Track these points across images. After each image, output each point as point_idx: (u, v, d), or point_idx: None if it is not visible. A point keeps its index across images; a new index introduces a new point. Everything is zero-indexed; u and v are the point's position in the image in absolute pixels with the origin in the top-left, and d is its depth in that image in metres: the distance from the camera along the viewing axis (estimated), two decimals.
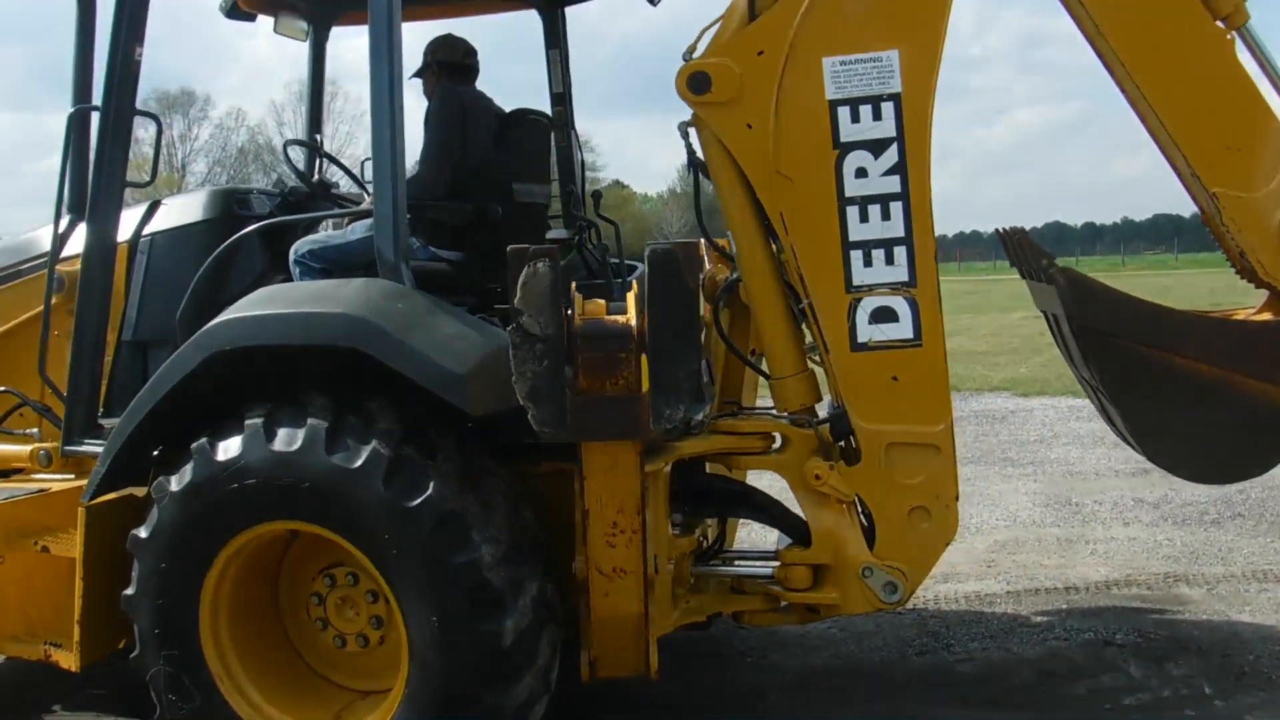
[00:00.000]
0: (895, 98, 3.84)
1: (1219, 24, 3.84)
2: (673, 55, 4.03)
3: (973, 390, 12.78)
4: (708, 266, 4.63)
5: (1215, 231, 3.93)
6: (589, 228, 5.11)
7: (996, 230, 4.30)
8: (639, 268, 4.14)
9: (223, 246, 4.27)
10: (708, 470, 4.33)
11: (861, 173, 3.88)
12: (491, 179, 4.41)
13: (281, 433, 3.47)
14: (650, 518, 3.82)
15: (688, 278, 3.35)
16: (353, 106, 59.06)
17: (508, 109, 4.71)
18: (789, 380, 4.12)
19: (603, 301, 3.58)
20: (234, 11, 4.99)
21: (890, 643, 4.99)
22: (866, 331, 3.93)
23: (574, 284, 3.60)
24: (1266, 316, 3.94)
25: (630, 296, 3.47)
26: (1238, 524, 6.64)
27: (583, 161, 5.25)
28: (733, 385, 4.75)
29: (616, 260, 5.13)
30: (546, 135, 4.82)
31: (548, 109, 5.15)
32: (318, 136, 5.23)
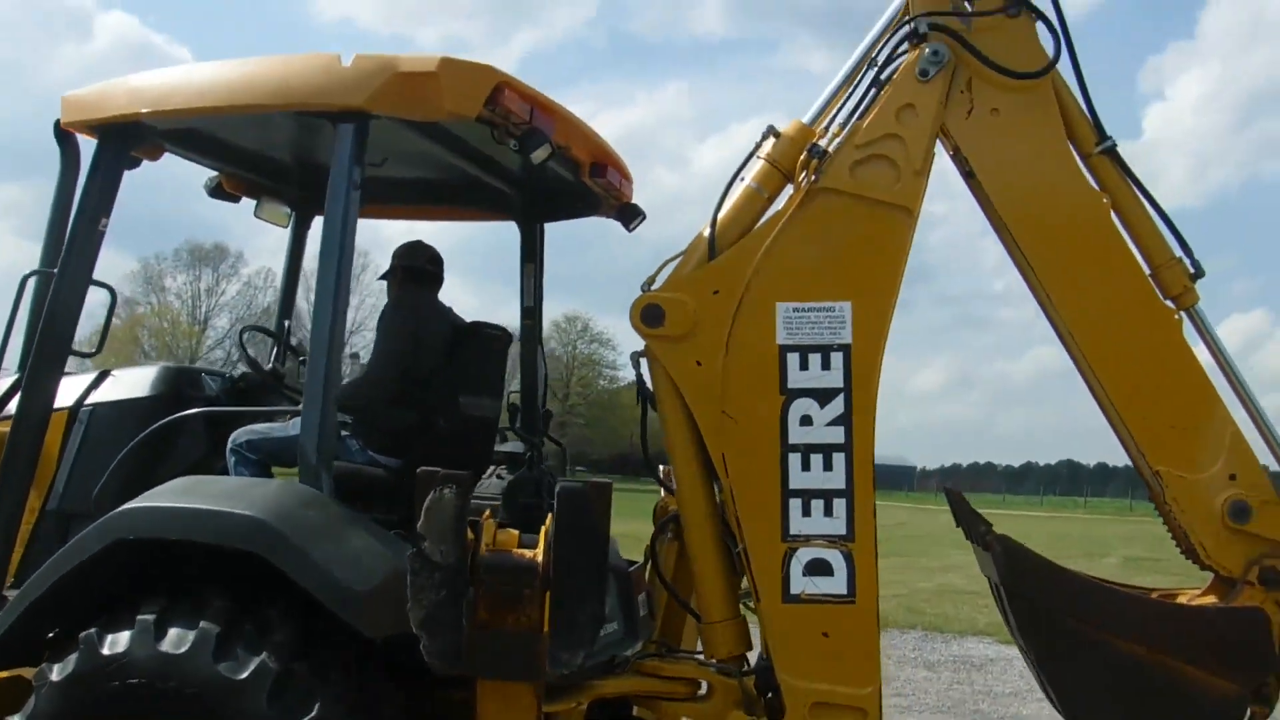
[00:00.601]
0: (845, 349, 3.85)
1: (1168, 303, 3.88)
2: None
3: (956, 633, 12.42)
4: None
5: (1160, 510, 3.84)
6: (541, 445, 5.08)
7: (944, 489, 4.24)
8: None
9: (152, 428, 4.24)
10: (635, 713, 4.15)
11: (806, 420, 3.85)
12: (440, 389, 4.40)
13: (172, 632, 3.33)
14: None
15: (597, 518, 3.28)
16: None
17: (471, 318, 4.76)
18: (719, 625, 3.99)
19: (515, 533, 3.51)
20: (217, 192, 5.11)
21: None
22: (799, 583, 3.81)
23: (488, 511, 3.54)
24: (1210, 600, 3.81)
25: (544, 530, 3.40)
26: None
27: (546, 376, 5.26)
28: (674, 625, 4.61)
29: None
30: (503, 350, 4.84)
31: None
32: (286, 323, 5.26)
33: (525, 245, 5.25)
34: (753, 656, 4.01)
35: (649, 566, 4.51)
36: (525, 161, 4.06)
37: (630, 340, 4.00)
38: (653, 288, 4.01)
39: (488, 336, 4.76)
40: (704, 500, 4.00)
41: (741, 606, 4.07)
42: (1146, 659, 3.63)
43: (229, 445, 4.32)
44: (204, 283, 67.92)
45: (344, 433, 4.27)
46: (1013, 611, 3.79)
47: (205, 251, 68.61)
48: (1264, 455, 3.88)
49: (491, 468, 5.11)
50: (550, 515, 3.32)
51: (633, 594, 4.35)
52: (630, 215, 4.91)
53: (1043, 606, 3.73)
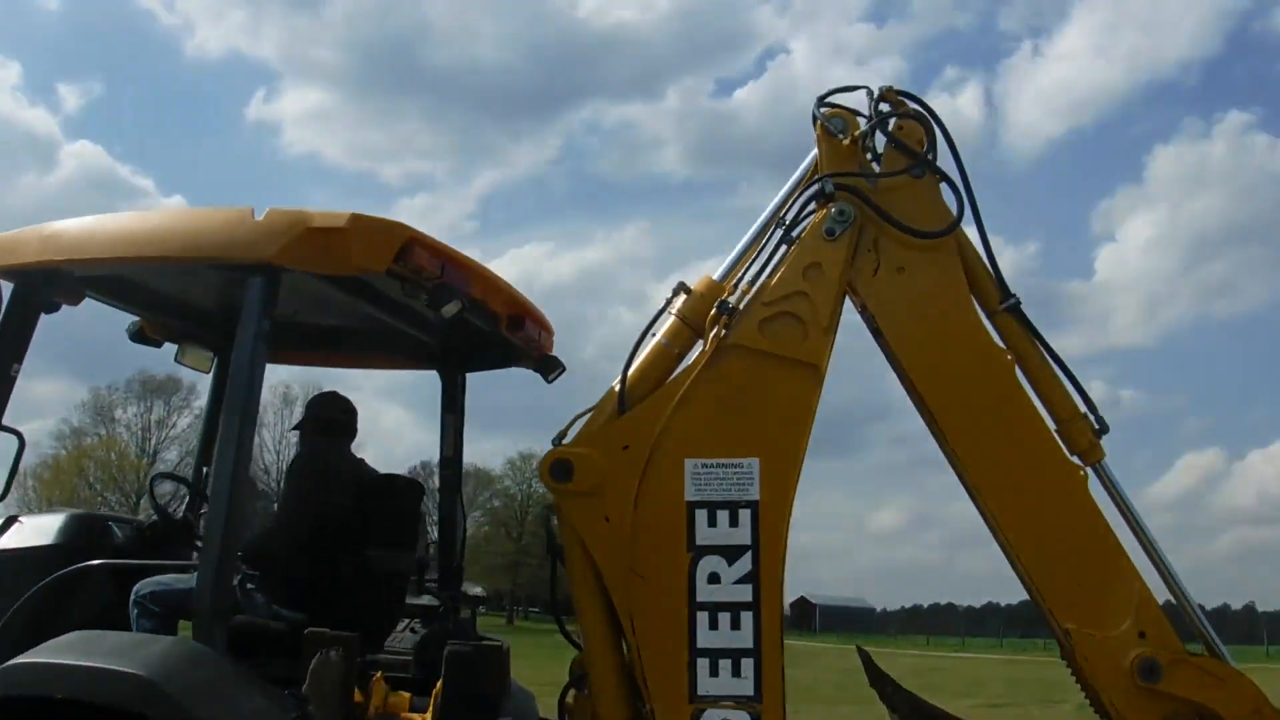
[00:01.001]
0: (753, 505, 3.83)
1: (1074, 459, 3.91)
2: None
3: None
4: None
5: (1072, 668, 3.80)
6: (458, 598, 4.96)
7: (856, 646, 4.17)
8: None
9: (50, 579, 4.11)
10: None
11: (714, 578, 3.81)
12: (348, 542, 4.32)
13: None
14: None
15: (484, 683, 3.20)
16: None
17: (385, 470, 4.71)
18: None
19: (407, 695, 3.41)
20: (139, 337, 5.07)
21: None
22: None
23: (380, 674, 3.45)
24: None
25: (435, 693, 3.30)
26: None
27: (464, 527, 5.18)
28: None
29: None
30: (416, 501, 4.77)
31: None
32: (206, 470, 5.16)
33: (446, 395, 5.23)
34: None
35: None
36: (437, 314, 4.08)
37: None
38: (564, 441, 4.00)
39: (400, 489, 4.70)
40: (611, 658, 3.92)
41: None
42: None
43: (132, 597, 4.19)
44: (155, 414, 66.86)
45: (249, 585, 4.16)
46: None
47: (158, 383, 67.59)
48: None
49: (405, 621, 4.99)
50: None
51: None
52: (549, 367, 4.93)
53: None
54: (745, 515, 3.83)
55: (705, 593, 3.80)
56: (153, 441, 66.36)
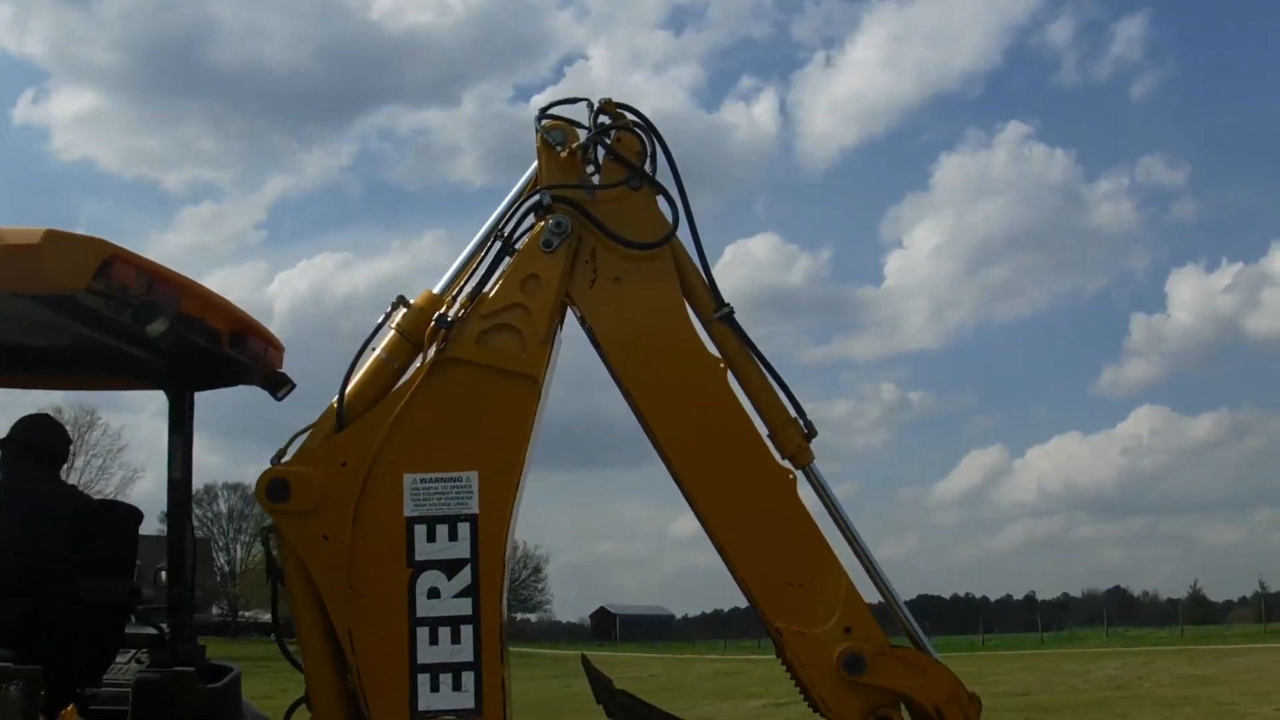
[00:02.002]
0: (472, 519, 3.84)
1: (785, 463, 4.07)
2: None
3: None
4: None
5: (784, 664, 3.96)
6: (188, 626, 4.75)
7: (582, 655, 4.24)
8: None
9: None
10: None
11: (434, 593, 3.79)
12: (56, 575, 4.08)
13: None
14: None
15: (176, 710, 3.09)
16: (110, 440, 56.88)
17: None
18: None
19: None
20: None
21: None
22: None
23: (71, 707, 3.27)
24: None
25: None
26: None
27: (194, 553, 4.97)
28: None
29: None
30: (134, 529, 4.56)
31: None
32: None
33: (173, 415, 5.01)
34: None
35: None
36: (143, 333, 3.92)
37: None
38: (283, 460, 3.90)
39: (116, 516, 4.48)
40: (332, 679, 3.84)
41: None
42: None
43: None
44: None
45: None
46: None
47: None
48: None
49: (132, 652, 4.75)
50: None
51: None
52: (277, 384, 4.79)
53: None
54: (464, 529, 3.83)
55: (425, 608, 3.77)
56: None
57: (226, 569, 78.56)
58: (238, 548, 78.76)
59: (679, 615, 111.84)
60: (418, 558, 3.80)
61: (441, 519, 3.83)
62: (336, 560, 3.79)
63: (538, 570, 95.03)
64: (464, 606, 3.77)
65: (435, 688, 3.74)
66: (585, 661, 4.14)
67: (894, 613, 4.12)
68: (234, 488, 78.02)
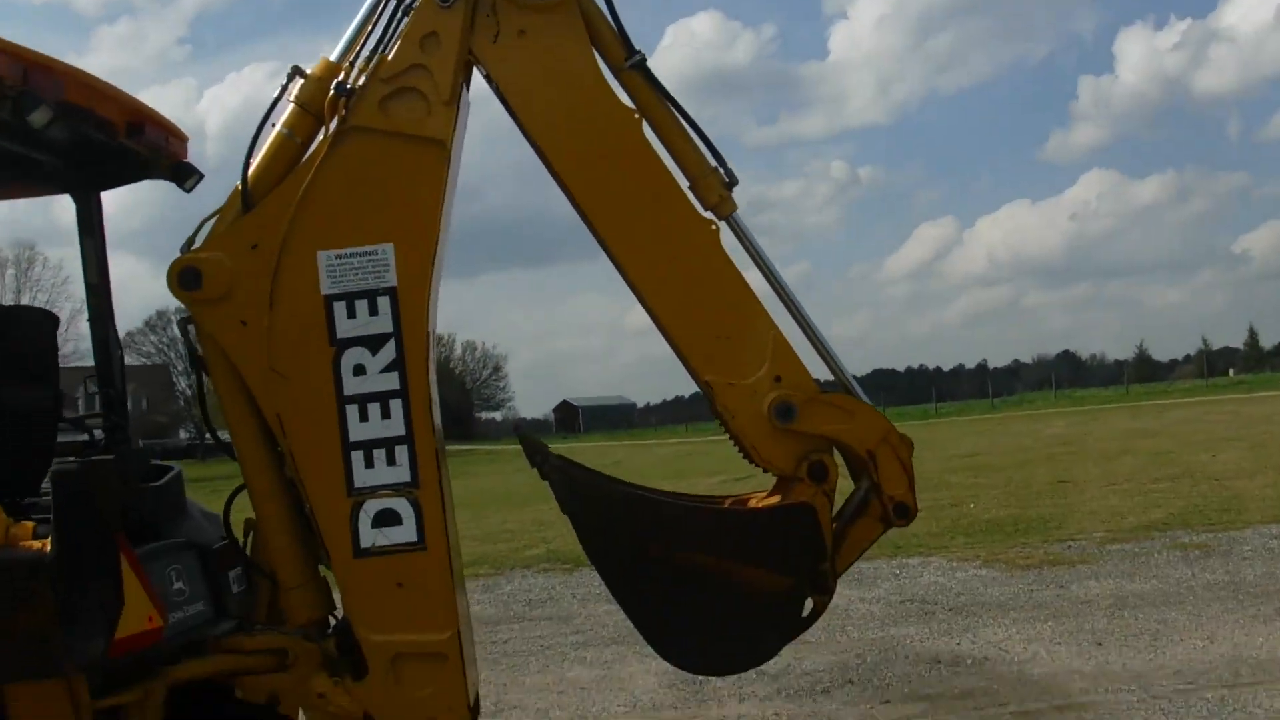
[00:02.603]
0: (391, 291, 3.73)
1: (707, 214, 3.97)
2: None
3: None
4: None
5: (717, 418, 3.98)
6: (124, 429, 4.69)
7: (515, 430, 4.23)
8: None
9: None
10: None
11: (360, 370, 3.73)
12: None
13: None
14: None
15: (99, 498, 3.04)
16: (51, 274, 55.86)
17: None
18: (296, 591, 3.84)
19: (30, 524, 3.22)
20: None
21: None
22: (369, 536, 3.72)
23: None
24: (775, 500, 3.99)
25: None
26: (846, 691, 6.74)
27: (121, 358, 4.86)
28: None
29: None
30: (49, 333, 4.41)
31: None
32: None
33: (81, 218, 4.80)
34: None
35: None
36: (23, 125, 3.69)
37: None
38: (193, 248, 3.76)
39: (28, 321, 4.33)
40: (266, 464, 3.82)
41: (323, 569, 3.93)
42: (708, 567, 3.76)
43: None
44: None
45: None
46: (580, 538, 3.84)
47: None
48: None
49: (72, 459, 4.69)
50: None
51: (219, 571, 4.12)
52: (183, 175, 4.58)
53: (602, 528, 3.80)
54: (385, 303, 3.73)
55: (352, 385, 3.72)
56: None
57: (189, 392, 78.80)
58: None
59: (640, 404, 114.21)
60: (339, 335, 3.72)
61: (360, 294, 3.73)
62: (257, 345, 3.71)
63: (497, 369, 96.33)
64: (391, 381, 3.72)
65: (370, 464, 3.72)
66: (518, 431, 4.12)
67: (824, 359, 4.11)
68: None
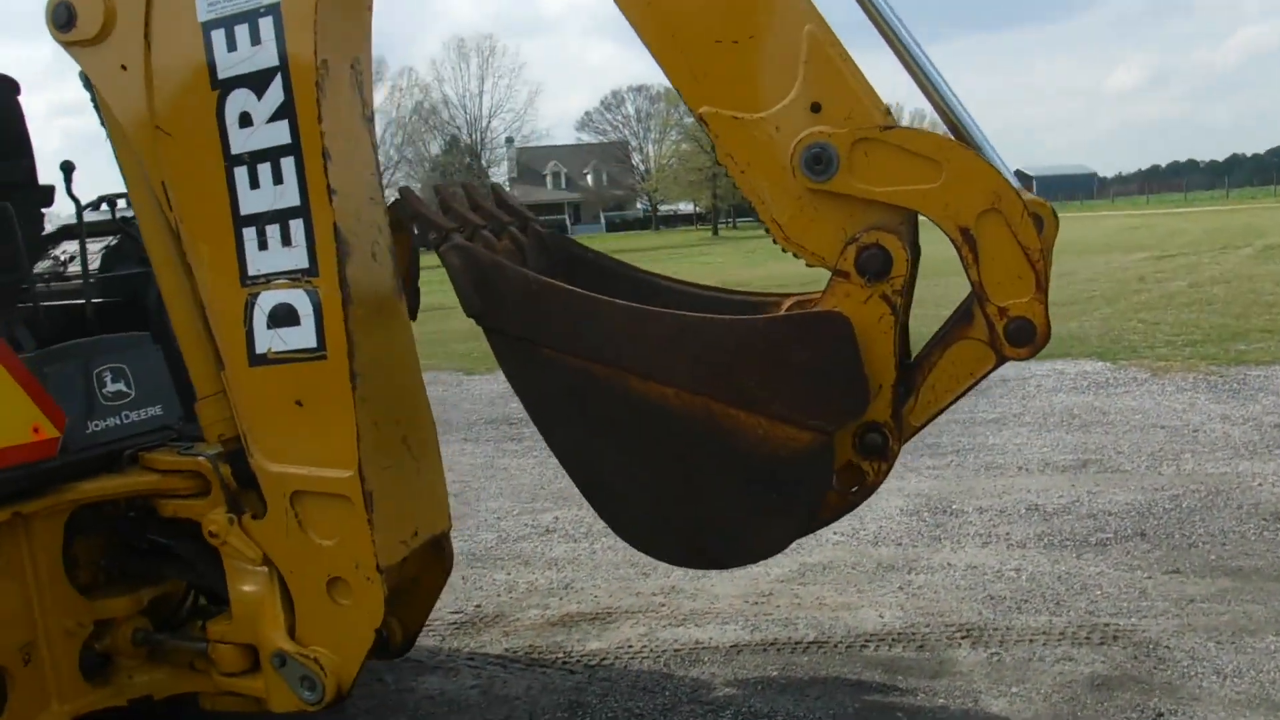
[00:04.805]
0: (274, 10, 2.75)
1: None
2: None
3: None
4: None
5: (725, 167, 2.62)
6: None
7: (399, 191, 3.05)
8: None
9: None
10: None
11: (246, 120, 2.82)
12: None
13: None
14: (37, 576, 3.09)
15: None
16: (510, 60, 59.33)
17: None
18: (208, 401, 3.11)
19: None
20: None
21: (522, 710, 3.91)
22: (265, 339, 2.89)
23: None
24: (815, 305, 2.61)
25: None
26: (1127, 548, 5.11)
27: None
28: None
29: None
30: (9, 99, 3.84)
31: None
32: None
33: None
34: None
35: None
36: None
37: None
38: None
39: None
40: (166, 240, 3.05)
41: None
42: (677, 407, 2.51)
43: None
44: None
45: None
46: (490, 344, 2.72)
47: None
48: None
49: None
50: None
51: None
52: None
53: (516, 334, 2.65)
54: (267, 26, 2.75)
55: (239, 140, 2.82)
56: None
57: (642, 168, 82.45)
58: (648, 146, 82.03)
59: (1109, 174, 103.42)
60: (220, 75, 2.82)
61: (239, 17, 2.78)
62: (137, 93, 2.91)
63: None
64: (280, 133, 2.78)
65: (264, 244, 2.85)
66: (404, 193, 2.98)
67: (910, 69, 2.59)
68: (638, 89, 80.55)
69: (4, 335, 3.61)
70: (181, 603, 3.46)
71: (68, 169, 3.81)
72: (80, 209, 3.71)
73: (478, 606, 4.99)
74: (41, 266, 4.01)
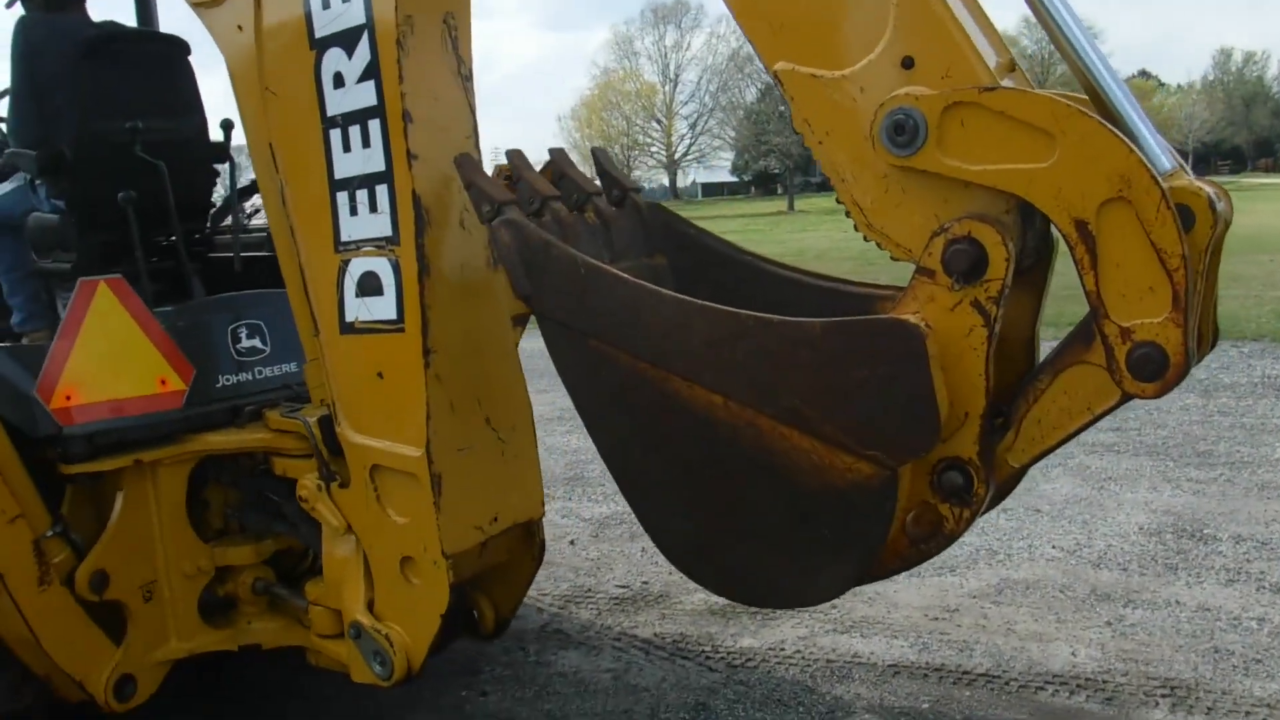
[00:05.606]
0: None
1: None
2: None
3: (1254, 336, 9.69)
4: None
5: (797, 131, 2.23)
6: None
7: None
8: None
9: None
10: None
11: (339, 80, 2.75)
12: (70, 118, 3.68)
13: None
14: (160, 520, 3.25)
15: None
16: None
17: None
18: (314, 364, 3.09)
19: None
20: None
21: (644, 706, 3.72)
22: (354, 307, 2.84)
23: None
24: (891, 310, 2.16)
25: None
26: None
27: None
28: None
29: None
30: (181, 58, 3.93)
31: None
32: None
33: None
34: None
35: None
36: None
37: None
38: None
39: (146, 46, 3.93)
40: (277, 205, 3.04)
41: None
42: (724, 418, 2.17)
43: None
44: (669, 40, 69.87)
45: (38, 182, 3.83)
46: (540, 328, 2.46)
47: (667, 9, 70.23)
48: None
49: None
50: None
51: None
52: None
53: (565, 324, 2.38)
54: None
55: (334, 102, 2.76)
56: (672, 65, 69.75)
57: None
58: None
59: None
60: (318, 33, 2.76)
61: None
62: (250, 54, 2.92)
63: None
64: (367, 95, 2.68)
65: (354, 210, 2.78)
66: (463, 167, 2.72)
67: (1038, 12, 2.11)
68: None
69: (177, 285, 3.81)
70: (303, 558, 3.51)
71: (226, 126, 3.94)
72: (234, 167, 3.82)
73: (645, 583, 4.84)
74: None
